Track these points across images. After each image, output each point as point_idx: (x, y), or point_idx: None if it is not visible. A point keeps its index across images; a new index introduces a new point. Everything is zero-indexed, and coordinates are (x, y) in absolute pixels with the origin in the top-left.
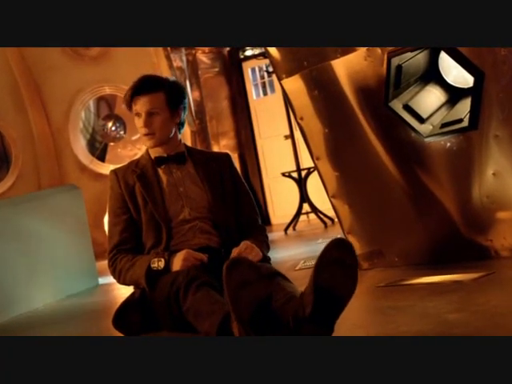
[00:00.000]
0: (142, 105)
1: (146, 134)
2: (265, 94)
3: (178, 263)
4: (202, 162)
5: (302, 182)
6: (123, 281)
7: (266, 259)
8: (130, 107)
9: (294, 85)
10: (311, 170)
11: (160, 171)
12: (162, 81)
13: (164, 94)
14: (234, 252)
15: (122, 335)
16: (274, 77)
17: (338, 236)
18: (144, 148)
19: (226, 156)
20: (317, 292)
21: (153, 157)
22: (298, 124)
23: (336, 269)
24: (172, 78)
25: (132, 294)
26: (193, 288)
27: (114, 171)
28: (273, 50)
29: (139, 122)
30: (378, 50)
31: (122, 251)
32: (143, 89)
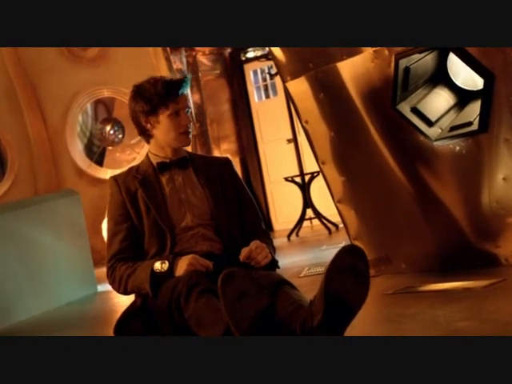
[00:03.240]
0: (184, 102)
1: (187, 132)
2: (267, 96)
3: (182, 267)
4: (203, 167)
5: (305, 187)
6: (124, 288)
7: (275, 262)
8: (161, 107)
9: (299, 87)
10: (315, 174)
11: (162, 178)
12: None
13: None
14: (244, 251)
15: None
16: (277, 79)
17: (350, 243)
18: (143, 152)
19: (227, 161)
20: (327, 299)
21: (154, 162)
22: (303, 127)
23: (348, 276)
24: None
25: (133, 303)
26: (194, 294)
27: (114, 177)
28: (277, 52)
29: (176, 121)
30: (386, 51)
31: (122, 260)
32: (187, 86)
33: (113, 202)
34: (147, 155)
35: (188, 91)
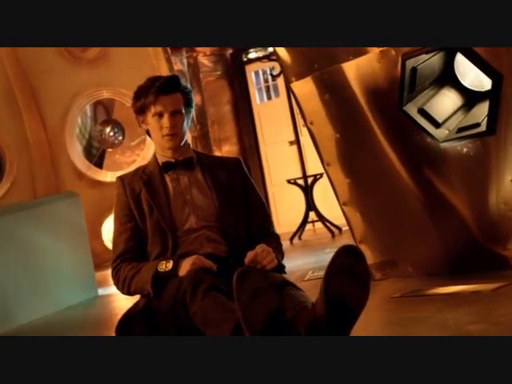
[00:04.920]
0: (166, 104)
1: (168, 134)
2: (269, 98)
3: (185, 267)
4: (211, 168)
5: (308, 190)
6: (128, 289)
7: (281, 267)
8: (144, 107)
9: (304, 88)
10: (318, 176)
11: (167, 178)
12: (179, 81)
13: (181, 95)
14: (249, 255)
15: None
16: (279, 80)
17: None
18: (143, 154)
19: (237, 162)
20: (328, 302)
21: (160, 162)
22: (308, 129)
23: (346, 278)
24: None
25: (136, 304)
26: (200, 292)
27: (120, 178)
28: (282, 52)
29: (160, 123)
30: (392, 51)
31: (127, 260)
32: (167, 88)
33: (118, 203)
34: (154, 155)
35: (179, 94)
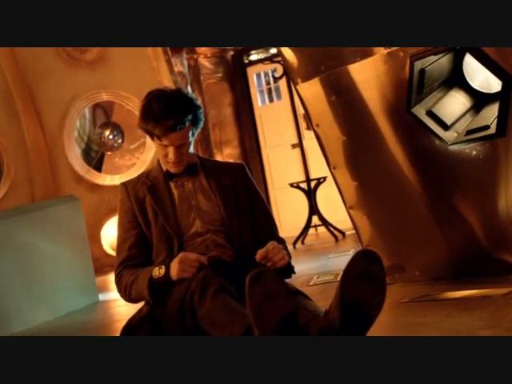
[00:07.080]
0: (173, 140)
1: (173, 163)
2: (271, 100)
3: (174, 267)
4: (214, 173)
5: (311, 193)
6: (129, 296)
7: (291, 267)
8: (150, 134)
9: (311, 90)
10: (321, 180)
11: (171, 184)
12: (190, 112)
13: (191, 124)
14: (260, 252)
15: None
16: (281, 83)
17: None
18: (143, 158)
19: (241, 167)
20: (343, 307)
21: (164, 169)
22: (314, 131)
23: (363, 282)
24: (194, 99)
25: (139, 311)
26: (209, 293)
27: (124, 184)
28: (288, 54)
29: (165, 151)
30: (400, 53)
31: (129, 267)
32: (177, 127)
33: (122, 209)
34: (158, 161)
35: (186, 127)
